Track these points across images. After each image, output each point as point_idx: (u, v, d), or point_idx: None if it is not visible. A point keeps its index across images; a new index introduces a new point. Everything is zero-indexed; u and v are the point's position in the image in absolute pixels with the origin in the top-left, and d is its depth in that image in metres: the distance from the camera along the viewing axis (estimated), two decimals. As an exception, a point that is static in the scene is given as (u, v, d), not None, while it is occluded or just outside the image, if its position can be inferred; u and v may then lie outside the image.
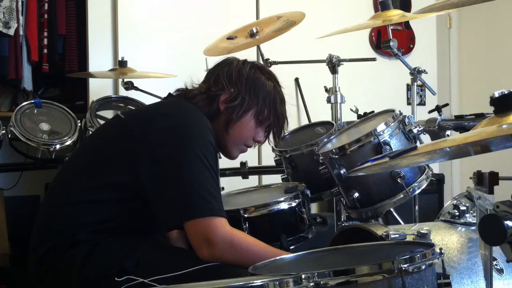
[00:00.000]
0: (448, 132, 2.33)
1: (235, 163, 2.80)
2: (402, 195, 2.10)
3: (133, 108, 3.20)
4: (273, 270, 1.48)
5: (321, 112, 3.47)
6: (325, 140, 2.36)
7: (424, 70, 2.86)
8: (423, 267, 1.37)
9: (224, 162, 2.25)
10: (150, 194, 1.80)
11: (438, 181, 4.03)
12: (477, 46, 4.85)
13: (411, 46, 4.74)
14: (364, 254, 1.63)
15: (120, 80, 3.43)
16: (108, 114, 3.34)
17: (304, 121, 4.10)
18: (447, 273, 1.47)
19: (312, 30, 3.38)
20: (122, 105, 3.39)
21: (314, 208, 4.15)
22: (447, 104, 2.76)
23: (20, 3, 3.63)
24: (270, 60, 3.19)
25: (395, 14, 2.66)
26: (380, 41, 4.55)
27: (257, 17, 4.18)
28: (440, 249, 1.44)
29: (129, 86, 3.36)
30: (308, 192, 2.19)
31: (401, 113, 2.19)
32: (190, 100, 1.99)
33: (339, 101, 2.88)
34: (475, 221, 2.01)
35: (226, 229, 1.77)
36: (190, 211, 1.76)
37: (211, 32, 3.24)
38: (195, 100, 1.99)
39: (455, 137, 1.30)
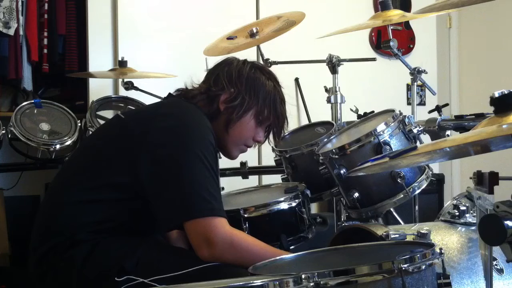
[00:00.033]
0: (448, 132, 2.33)
1: (235, 163, 2.80)
2: (402, 195, 2.10)
3: (133, 108, 3.20)
4: (273, 270, 1.48)
5: (321, 112, 3.47)
6: (325, 140, 2.36)
7: (424, 70, 2.86)
8: (423, 267, 1.37)
9: (224, 162, 2.25)
10: (150, 194, 1.80)
11: (438, 181, 4.03)
12: (477, 46, 4.85)
13: (411, 46, 4.74)
14: (364, 254, 1.63)
15: (120, 80, 3.43)
16: (108, 114, 3.34)
17: (304, 121, 4.10)
18: (447, 273, 1.47)
19: (312, 30, 3.38)
20: (122, 105, 3.39)
21: (314, 208, 4.15)
22: (447, 104, 2.76)
23: (20, 3, 3.63)
24: (270, 60, 3.19)
25: (395, 14, 2.66)
26: (380, 41, 4.55)
27: (257, 17, 4.18)
28: (440, 249, 1.44)
29: (129, 86, 3.36)
30: (308, 192, 2.19)
31: (401, 113, 2.19)
32: (190, 100, 1.99)
33: (339, 101, 2.88)
34: (475, 221, 2.01)
35: (226, 229, 1.77)
36: (190, 211, 1.76)
37: (211, 32, 3.24)
38: (195, 100, 1.99)
39: (455, 137, 1.30)
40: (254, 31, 2.92)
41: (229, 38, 2.99)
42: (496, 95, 1.34)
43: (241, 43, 2.93)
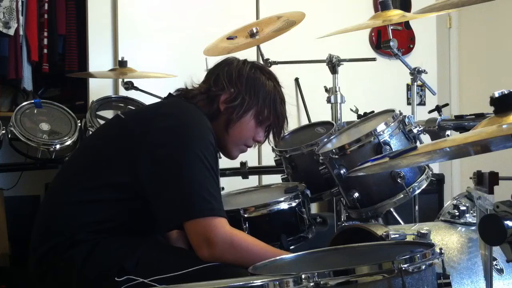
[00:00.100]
0: (448, 132, 2.33)
1: (235, 163, 2.80)
2: (402, 195, 2.10)
3: (133, 108, 3.20)
4: (273, 270, 1.48)
5: (321, 112, 3.47)
6: (325, 140, 2.36)
7: (424, 70, 2.86)
8: (423, 267, 1.37)
9: (224, 162, 2.25)
10: (150, 194, 1.80)
11: (438, 181, 4.03)
12: (477, 46, 4.84)
13: (411, 46, 4.74)
14: (364, 254, 1.63)
15: (120, 80, 3.43)
16: (108, 114, 3.33)
17: (304, 121, 4.10)
18: (447, 273, 1.47)
19: (312, 30, 3.38)
20: (122, 105, 3.39)
21: (314, 208, 4.15)
22: (447, 104, 2.76)
23: (20, 3, 3.63)
24: (270, 60, 3.19)
25: (395, 14, 2.66)
26: (380, 41, 4.55)
27: (257, 17, 4.18)
28: (440, 249, 1.44)
29: (129, 86, 3.36)
30: (308, 192, 2.19)
31: (401, 113, 2.19)
32: (190, 100, 1.99)
33: (339, 101, 2.88)
34: (475, 221, 2.01)
35: (226, 229, 1.77)
36: (190, 211, 1.76)
37: (211, 32, 3.24)
38: (195, 100, 1.99)
39: (455, 137, 1.30)
40: (254, 31, 2.92)
41: (229, 38, 2.99)
42: (496, 95, 1.34)
43: (241, 43, 2.93)
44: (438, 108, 2.53)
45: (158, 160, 1.80)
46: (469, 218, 2.06)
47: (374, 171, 1.94)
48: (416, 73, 2.85)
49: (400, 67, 3.01)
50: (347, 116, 2.89)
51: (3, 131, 3.02)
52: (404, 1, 4.62)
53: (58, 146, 3.04)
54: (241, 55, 2.19)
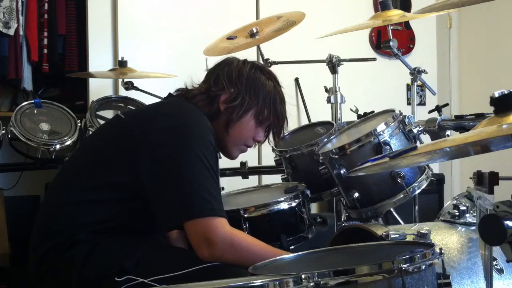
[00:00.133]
0: (448, 132, 2.33)
1: (235, 163, 2.80)
2: (402, 195, 2.10)
3: (133, 108, 3.20)
4: (273, 270, 1.48)
5: (321, 112, 3.47)
6: (325, 140, 2.36)
7: (424, 70, 2.86)
8: (423, 267, 1.37)
9: (224, 162, 2.25)
10: (150, 194, 1.80)
11: (438, 181, 4.03)
12: (477, 46, 4.85)
13: (411, 46, 4.74)
14: (364, 254, 1.63)
15: (120, 80, 3.43)
16: (108, 114, 3.33)
17: (304, 121, 4.10)
18: (447, 273, 1.47)
19: (312, 30, 3.38)
20: (122, 105, 3.39)
21: (314, 208, 4.15)
22: (447, 104, 2.76)
23: (20, 3, 3.63)
24: (270, 60, 3.19)
25: (395, 14, 2.66)
26: (380, 41, 4.55)
27: (257, 17, 4.18)
28: (440, 249, 1.44)
29: (129, 86, 3.36)
30: (308, 192, 2.19)
31: (401, 113, 2.19)
32: (190, 100, 1.99)
33: (339, 101, 2.88)
34: (475, 221, 2.01)
35: (226, 229, 1.77)
36: (190, 211, 1.76)
37: (211, 32, 3.24)
38: (195, 100, 1.99)
39: (455, 137, 1.30)
40: (254, 31, 2.92)
41: (229, 38, 2.99)
42: (496, 95, 1.34)
43: (241, 43, 2.93)
44: (438, 108, 2.53)
45: (158, 160, 1.80)
46: (469, 218, 2.06)
47: (374, 171, 1.94)
48: (416, 73, 2.85)
49: (400, 67, 3.01)
50: (347, 116, 2.89)
51: (3, 131, 3.02)
52: (404, 1, 4.62)
53: (58, 146, 3.04)
54: (241, 55, 2.19)
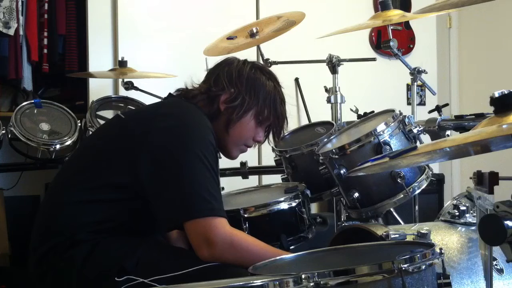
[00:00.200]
0: (448, 132, 2.33)
1: (235, 163, 2.79)
2: (402, 195, 2.10)
3: (133, 108, 3.20)
4: (273, 270, 1.48)
5: (321, 112, 3.47)
6: (325, 140, 2.36)
7: (424, 70, 2.86)
8: (423, 267, 1.37)
9: (224, 162, 2.25)
10: (150, 194, 1.80)
11: (438, 181, 4.03)
12: (477, 46, 4.85)
13: (411, 46, 4.74)
14: (364, 254, 1.63)
15: (120, 80, 3.43)
16: (108, 114, 3.33)
17: (304, 121, 4.10)
18: (447, 273, 1.47)
19: (312, 30, 3.38)
20: (122, 105, 3.39)
21: (314, 208, 4.15)
22: (447, 104, 2.76)
23: (20, 3, 3.63)
24: (270, 60, 3.19)
25: (395, 14, 2.66)
26: (380, 41, 4.55)
27: (257, 17, 4.18)
28: (440, 249, 1.44)
29: (129, 86, 3.36)
30: (308, 192, 2.19)
31: (401, 113, 2.19)
32: (191, 100, 1.99)
33: (339, 101, 2.88)
34: (475, 221, 2.02)
35: (226, 229, 1.77)
36: (190, 211, 1.75)
37: (211, 32, 3.24)
38: (195, 100, 1.99)
39: (455, 137, 1.30)
40: (254, 31, 2.93)
41: (229, 38, 2.99)
42: (496, 95, 1.34)
43: (241, 43, 2.93)
44: (438, 108, 2.53)
45: (158, 160, 1.80)
46: (469, 218, 2.06)
47: (374, 171, 1.94)
48: (416, 73, 2.85)
49: (400, 67, 3.01)
50: (347, 116, 2.89)
51: (3, 131, 3.02)
52: (404, 1, 4.62)
53: (58, 146, 3.04)
54: (241, 55, 2.19)
